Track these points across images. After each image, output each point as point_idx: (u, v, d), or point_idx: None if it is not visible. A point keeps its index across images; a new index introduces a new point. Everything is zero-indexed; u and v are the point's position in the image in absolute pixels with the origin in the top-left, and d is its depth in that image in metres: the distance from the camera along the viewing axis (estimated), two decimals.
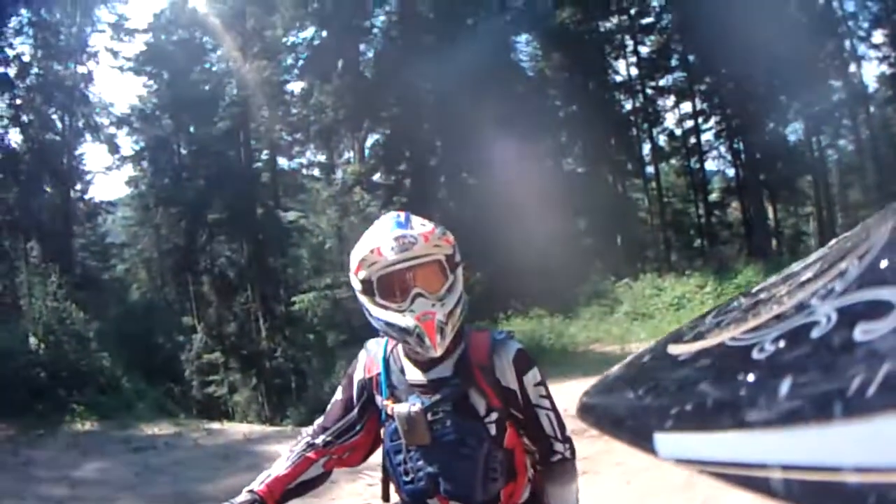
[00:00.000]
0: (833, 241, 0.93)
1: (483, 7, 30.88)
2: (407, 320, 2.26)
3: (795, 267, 0.93)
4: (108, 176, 58.59)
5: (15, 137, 29.26)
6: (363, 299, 2.39)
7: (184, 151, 34.39)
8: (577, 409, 0.90)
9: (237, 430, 13.84)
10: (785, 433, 0.60)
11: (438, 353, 2.29)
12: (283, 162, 36.79)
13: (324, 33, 31.55)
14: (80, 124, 31.36)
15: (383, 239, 2.31)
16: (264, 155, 35.89)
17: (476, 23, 30.79)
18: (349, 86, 29.85)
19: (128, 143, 34.63)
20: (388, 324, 2.32)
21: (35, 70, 29.84)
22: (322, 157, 35.75)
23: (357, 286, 2.39)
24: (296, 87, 34.79)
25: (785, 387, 0.63)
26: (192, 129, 34.17)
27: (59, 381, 13.78)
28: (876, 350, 0.58)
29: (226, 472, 9.72)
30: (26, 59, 29.65)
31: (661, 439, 0.72)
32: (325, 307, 29.27)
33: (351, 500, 8.01)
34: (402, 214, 2.42)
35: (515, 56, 33.25)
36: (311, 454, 2.52)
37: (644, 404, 0.80)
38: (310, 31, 32.53)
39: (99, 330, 20.86)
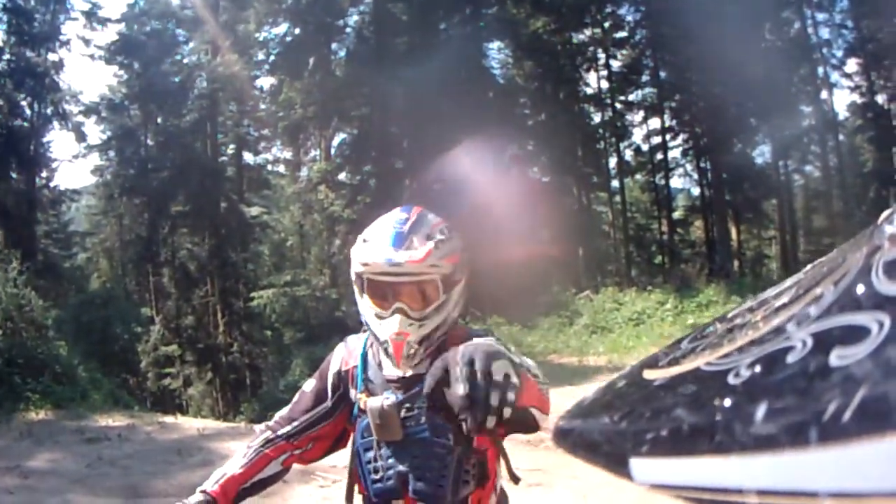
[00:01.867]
0: (808, 267, 0.94)
1: (456, 12, 30.88)
2: (381, 331, 2.26)
3: (770, 292, 0.94)
4: (73, 164, 58.18)
5: None
6: (356, 288, 2.37)
7: (150, 142, 34.14)
8: (553, 434, 0.91)
9: (191, 424, 13.65)
10: (761, 458, 0.61)
11: (402, 372, 2.29)
12: (248, 157, 36.71)
13: (296, 30, 31.48)
14: (49, 111, 31.21)
15: (380, 245, 2.27)
16: (230, 149, 35.81)
17: (449, 27, 30.85)
18: (319, 84, 29.81)
19: (95, 132, 34.43)
20: (367, 324, 2.33)
21: (7, 56, 29.65)
22: (288, 154, 35.85)
23: (353, 275, 2.37)
24: (266, 82, 34.84)
25: (761, 412, 0.63)
26: (159, 121, 33.96)
27: (15, 369, 13.60)
28: (851, 375, 0.58)
29: (178, 467, 9.61)
30: None
31: (637, 464, 0.72)
32: (284, 304, 29.19)
33: (303, 502, 7.96)
34: (410, 218, 2.38)
35: (487, 62, 33.27)
36: (269, 451, 2.46)
37: (619, 429, 0.80)
38: (282, 28, 32.55)
39: (57, 318, 20.67)
